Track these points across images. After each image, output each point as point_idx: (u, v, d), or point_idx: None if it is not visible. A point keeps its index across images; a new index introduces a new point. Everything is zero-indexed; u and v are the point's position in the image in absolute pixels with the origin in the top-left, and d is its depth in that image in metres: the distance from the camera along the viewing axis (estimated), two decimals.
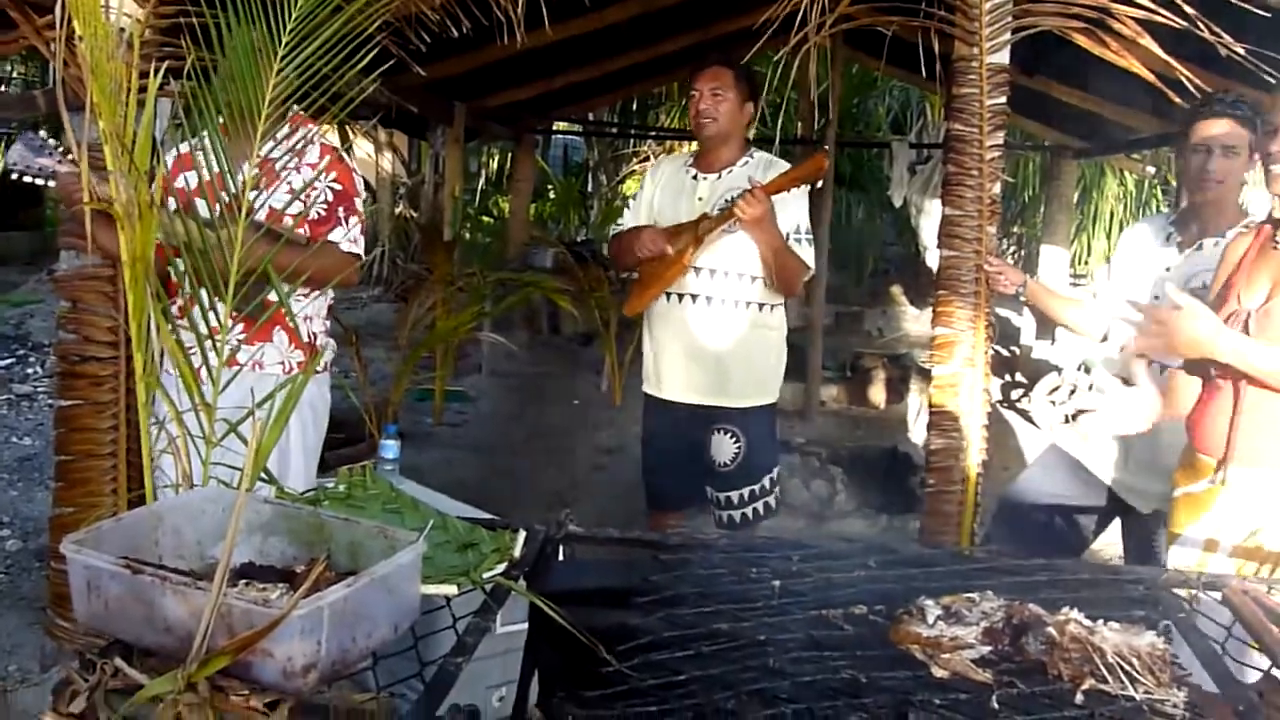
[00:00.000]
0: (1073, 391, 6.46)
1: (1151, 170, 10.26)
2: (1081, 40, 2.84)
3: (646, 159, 15.43)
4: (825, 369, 6.91)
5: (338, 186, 2.62)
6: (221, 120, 2.09)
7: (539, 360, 7.71)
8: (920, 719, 1.17)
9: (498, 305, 6.38)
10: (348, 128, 8.38)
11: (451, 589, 1.43)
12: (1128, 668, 1.22)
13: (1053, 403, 6.50)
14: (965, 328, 2.93)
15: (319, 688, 1.21)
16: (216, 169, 2.06)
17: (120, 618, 1.28)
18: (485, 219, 12.86)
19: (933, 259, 9.24)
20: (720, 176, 3.06)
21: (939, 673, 1.24)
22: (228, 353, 2.13)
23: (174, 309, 2.19)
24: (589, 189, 14.80)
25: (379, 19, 2.24)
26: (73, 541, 1.31)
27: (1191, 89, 2.83)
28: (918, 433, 6.49)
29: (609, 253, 3.35)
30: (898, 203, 8.98)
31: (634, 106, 13.49)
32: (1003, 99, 2.88)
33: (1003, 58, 2.86)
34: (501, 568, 1.52)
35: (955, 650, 1.24)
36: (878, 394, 6.95)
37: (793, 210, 2.98)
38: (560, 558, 1.67)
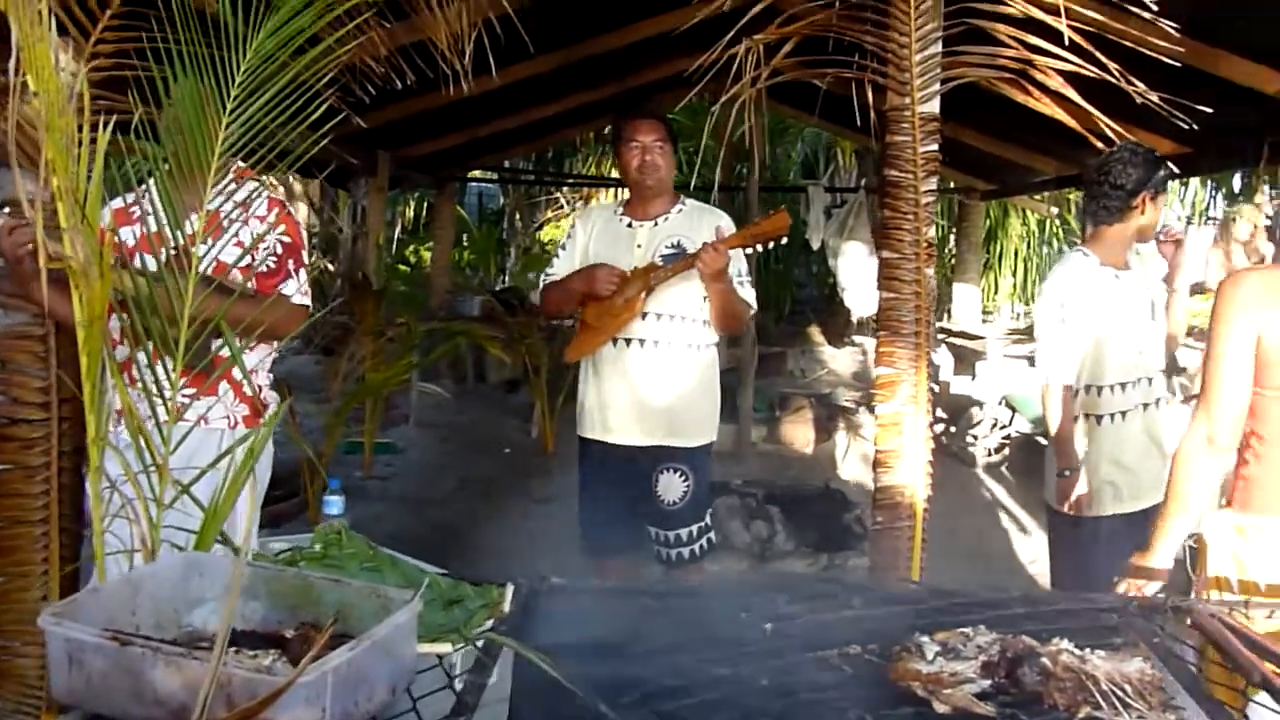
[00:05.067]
0: (994, 425, 6.64)
1: (1055, 210, 10.69)
2: (1006, 90, 2.97)
3: (562, 206, 15.54)
4: (755, 410, 6.99)
5: (287, 239, 2.61)
6: (168, 169, 2.07)
7: (466, 409, 7.64)
8: None
9: (428, 355, 6.32)
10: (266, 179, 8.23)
11: (446, 647, 1.41)
12: (1121, 694, 1.26)
13: (975, 437, 6.67)
14: (907, 367, 2.99)
15: None
16: (165, 222, 2.04)
17: (104, 693, 1.24)
18: (401, 268, 12.74)
19: (850, 299, 9.48)
20: (657, 224, 3.14)
21: (941, 708, 1.26)
22: (178, 409, 2.09)
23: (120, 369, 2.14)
24: (505, 236, 14.82)
25: (329, 74, 2.24)
26: (52, 614, 1.26)
27: (1110, 135, 2.99)
28: (847, 470, 6.60)
29: (541, 301, 3.37)
30: (815, 245, 9.19)
31: (549, 154, 13.56)
32: (934, 145, 2.98)
33: (933, 107, 2.97)
34: (490, 623, 1.51)
35: (956, 685, 1.27)
36: (806, 433, 7.05)
37: (734, 255, 3.06)
38: (541, 611, 1.65)
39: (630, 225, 3.17)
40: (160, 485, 2.00)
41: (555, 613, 1.64)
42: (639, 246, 3.11)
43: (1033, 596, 1.61)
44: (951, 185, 9.33)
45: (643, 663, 1.42)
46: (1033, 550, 5.03)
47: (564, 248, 3.29)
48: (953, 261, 10.24)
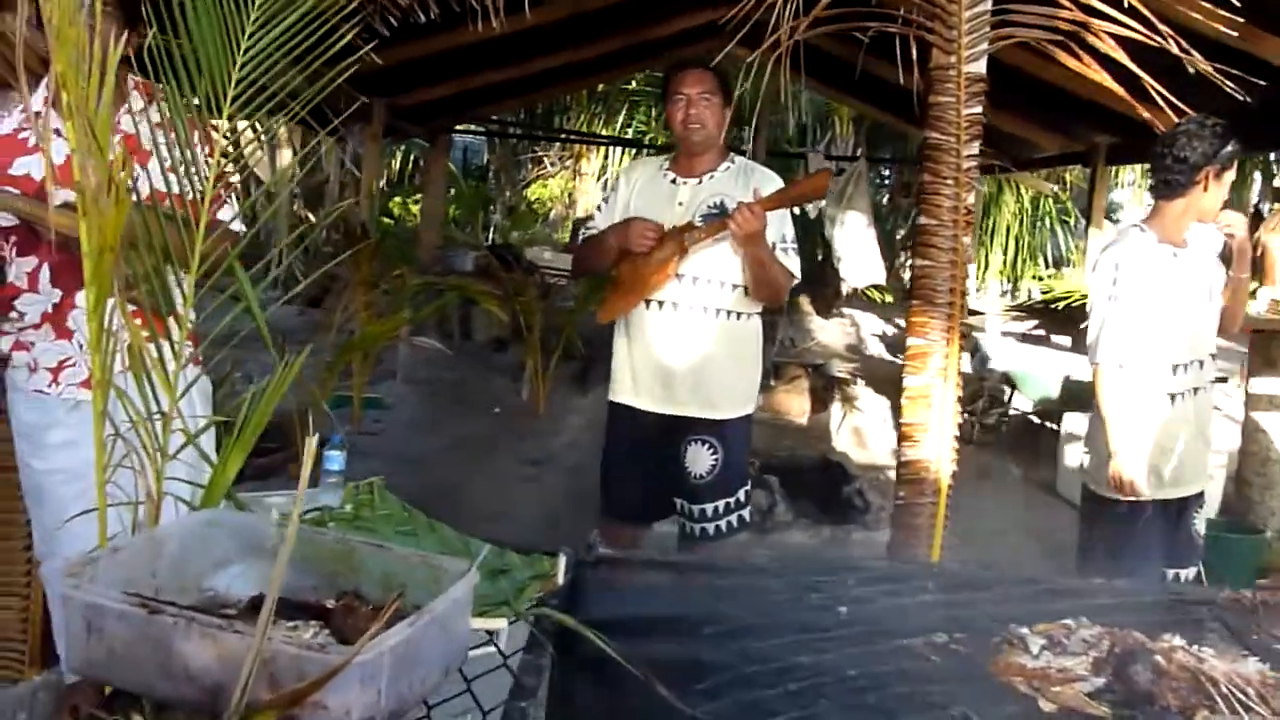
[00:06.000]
0: (992, 402, 6.57)
1: (1055, 187, 10.59)
2: (1056, 53, 2.84)
3: (546, 165, 15.30)
4: None
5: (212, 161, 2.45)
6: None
7: (454, 366, 7.48)
8: None
9: (418, 310, 6.15)
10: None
11: (500, 622, 1.29)
12: (1241, 697, 1.16)
13: (972, 412, 6.60)
14: (939, 339, 2.88)
15: None
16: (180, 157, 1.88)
17: (128, 665, 1.11)
18: (386, 221, 12.51)
19: (845, 269, 9.37)
20: (701, 182, 2.97)
21: (1047, 706, 1.16)
22: (188, 354, 1.95)
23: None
24: (490, 193, 14.60)
25: (351, 3, 2.08)
26: (70, 576, 1.13)
27: (1161, 103, 2.87)
28: (841, 442, 6.52)
29: (575, 255, 3.21)
30: (813, 214, 9.05)
31: (538, 110, 13.31)
32: (979, 108, 2.85)
33: (980, 67, 2.84)
34: (539, 596, 1.39)
35: (1066, 683, 1.16)
36: (801, 403, 6.95)
37: (778, 220, 2.91)
38: (589, 585, 1.54)
39: (674, 182, 3.00)
40: (164, 434, 1.87)
41: (605, 586, 1.52)
42: (680, 205, 2.95)
43: (1117, 587, 1.51)
44: None
45: (710, 645, 1.31)
46: (1034, 529, 4.98)
47: (606, 200, 3.14)
48: None
